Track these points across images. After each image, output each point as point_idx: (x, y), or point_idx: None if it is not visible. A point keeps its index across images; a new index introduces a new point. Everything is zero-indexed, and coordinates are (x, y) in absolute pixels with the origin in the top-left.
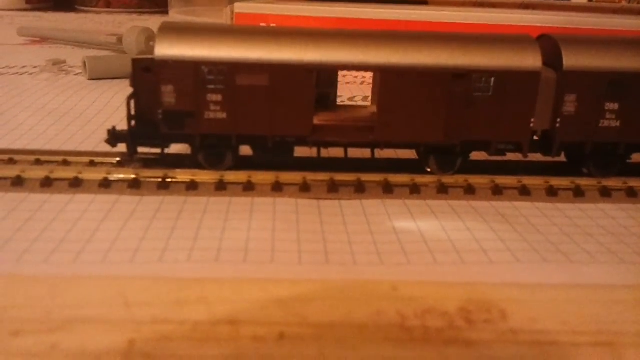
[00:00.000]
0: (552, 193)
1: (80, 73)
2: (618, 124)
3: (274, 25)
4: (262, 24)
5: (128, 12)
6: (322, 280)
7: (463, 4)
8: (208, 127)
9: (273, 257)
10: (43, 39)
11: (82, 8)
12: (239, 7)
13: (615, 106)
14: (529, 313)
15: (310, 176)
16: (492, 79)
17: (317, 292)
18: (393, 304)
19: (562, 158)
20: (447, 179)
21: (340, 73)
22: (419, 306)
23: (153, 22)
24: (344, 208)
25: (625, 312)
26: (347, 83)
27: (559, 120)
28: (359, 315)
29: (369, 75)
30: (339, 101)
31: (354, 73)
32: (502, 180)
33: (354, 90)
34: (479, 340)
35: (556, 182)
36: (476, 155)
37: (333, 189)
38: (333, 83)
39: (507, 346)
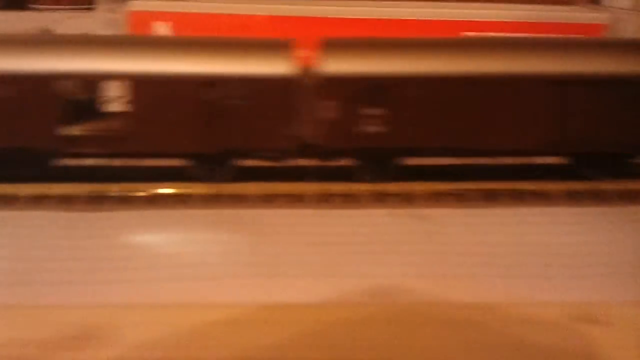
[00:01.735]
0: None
1: None
2: (384, 129)
3: (170, 24)
4: (159, 23)
5: (78, 8)
6: None
7: None
8: None
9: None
10: None
11: (34, 6)
12: (135, 5)
13: (377, 111)
14: None
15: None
16: (243, 87)
17: None
18: None
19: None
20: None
21: None
22: None
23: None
24: None
25: None
26: None
27: (317, 127)
28: None
29: None
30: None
31: None
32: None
33: None
34: None
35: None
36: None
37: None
38: (94, 90)
39: None
